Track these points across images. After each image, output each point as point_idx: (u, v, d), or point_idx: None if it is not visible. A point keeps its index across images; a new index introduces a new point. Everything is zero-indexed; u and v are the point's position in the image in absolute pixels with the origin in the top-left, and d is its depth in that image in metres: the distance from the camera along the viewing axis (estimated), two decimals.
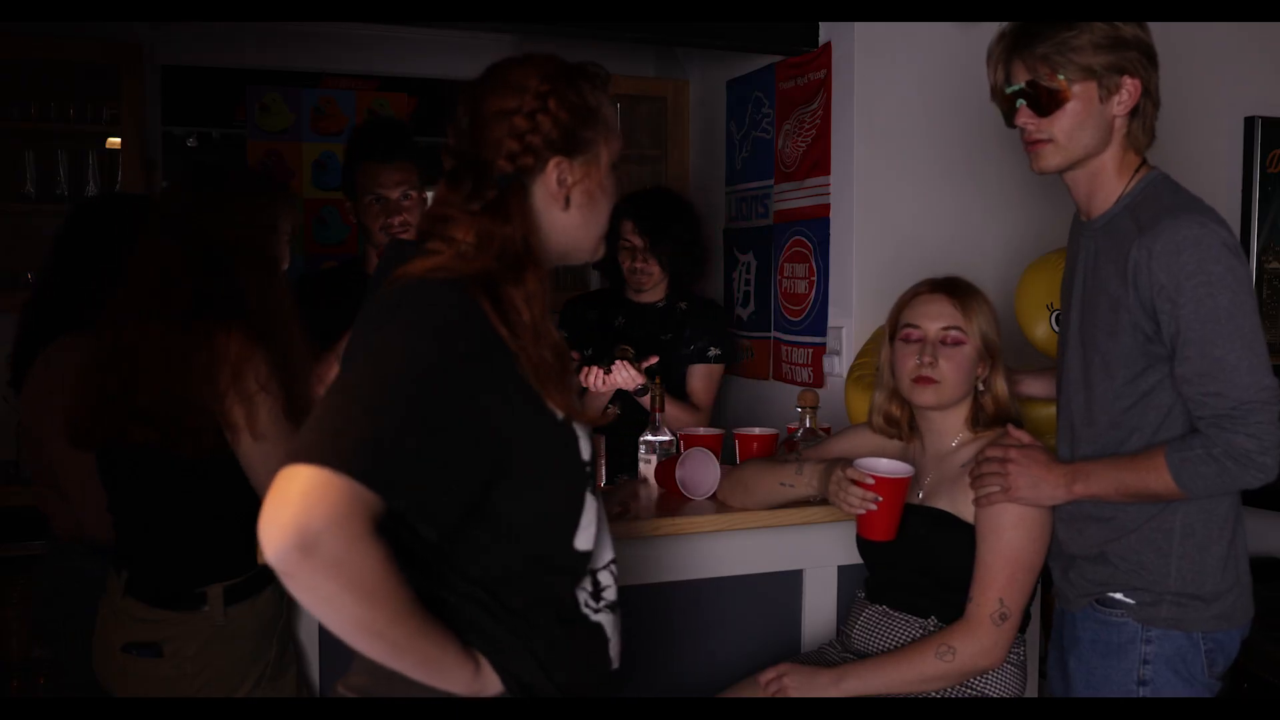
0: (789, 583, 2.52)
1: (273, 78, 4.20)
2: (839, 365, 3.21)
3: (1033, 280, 2.74)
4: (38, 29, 3.60)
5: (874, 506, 2.10)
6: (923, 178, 3.20)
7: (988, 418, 2.19)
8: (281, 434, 1.93)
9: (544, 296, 1.42)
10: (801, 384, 3.38)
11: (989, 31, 1.98)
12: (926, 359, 2.15)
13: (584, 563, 1.50)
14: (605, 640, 1.53)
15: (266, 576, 2.05)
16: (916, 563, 2.15)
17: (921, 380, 2.15)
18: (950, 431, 2.22)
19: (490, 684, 1.38)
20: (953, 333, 2.16)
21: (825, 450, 2.41)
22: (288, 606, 2.12)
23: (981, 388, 2.19)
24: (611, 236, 3.27)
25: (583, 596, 1.51)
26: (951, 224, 3.21)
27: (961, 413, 2.20)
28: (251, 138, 4.20)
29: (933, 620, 2.15)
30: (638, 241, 3.20)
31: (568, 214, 1.49)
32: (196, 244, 1.98)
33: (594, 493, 1.51)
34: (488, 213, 1.43)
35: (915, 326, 2.18)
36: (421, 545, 1.35)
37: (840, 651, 2.29)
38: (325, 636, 2.20)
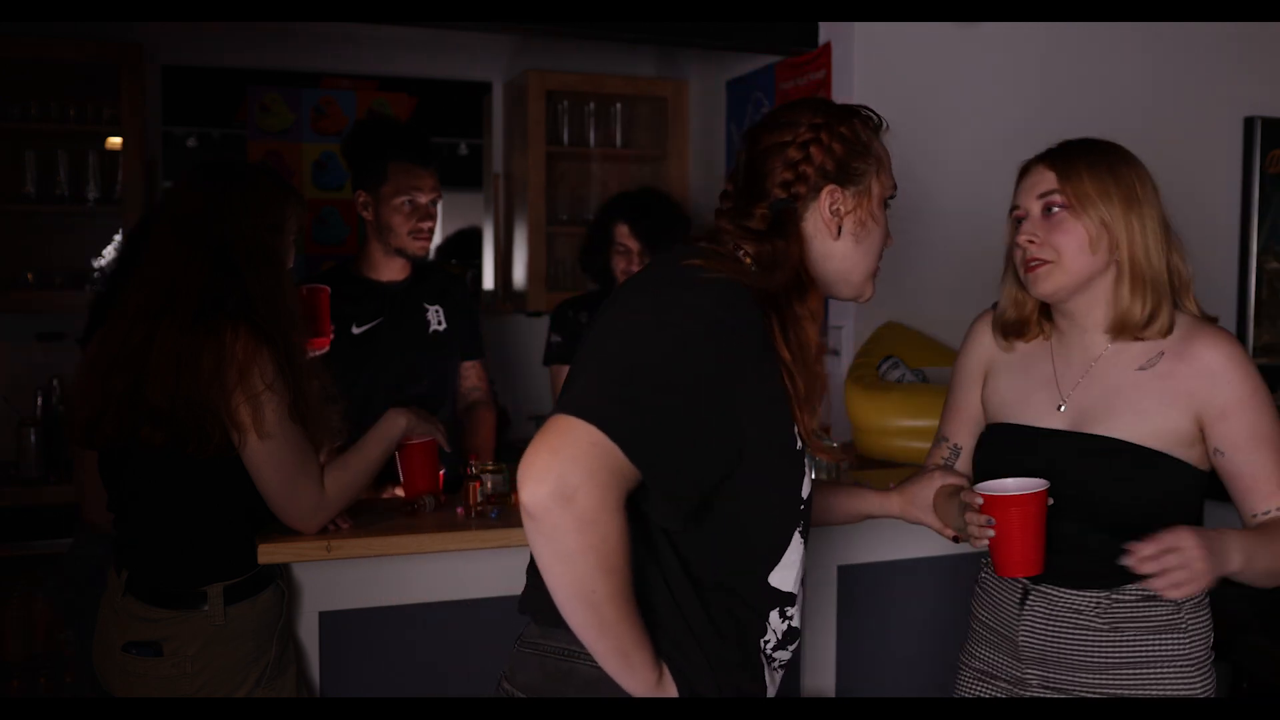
0: None
1: (273, 78, 4.21)
2: (839, 365, 3.21)
3: None
4: (38, 29, 3.61)
5: (990, 534, 1.66)
6: (922, 177, 3.20)
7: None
8: (287, 433, 1.93)
9: (821, 318, 1.45)
10: None
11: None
12: (1029, 238, 1.74)
13: (779, 602, 1.49)
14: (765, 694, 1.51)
15: (267, 576, 2.05)
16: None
17: (1031, 264, 1.74)
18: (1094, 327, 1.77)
19: (668, 691, 1.36)
20: (1053, 197, 1.73)
21: (952, 407, 1.96)
22: (288, 606, 2.12)
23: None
24: (604, 238, 3.28)
25: (770, 639, 1.49)
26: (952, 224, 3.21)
27: (1102, 300, 1.76)
28: (251, 138, 4.20)
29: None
30: (633, 245, 3.18)
31: (839, 242, 1.52)
32: (203, 244, 1.98)
33: (804, 535, 1.50)
34: (766, 234, 1.47)
35: (1017, 206, 1.79)
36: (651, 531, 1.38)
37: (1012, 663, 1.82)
38: (325, 636, 2.20)
